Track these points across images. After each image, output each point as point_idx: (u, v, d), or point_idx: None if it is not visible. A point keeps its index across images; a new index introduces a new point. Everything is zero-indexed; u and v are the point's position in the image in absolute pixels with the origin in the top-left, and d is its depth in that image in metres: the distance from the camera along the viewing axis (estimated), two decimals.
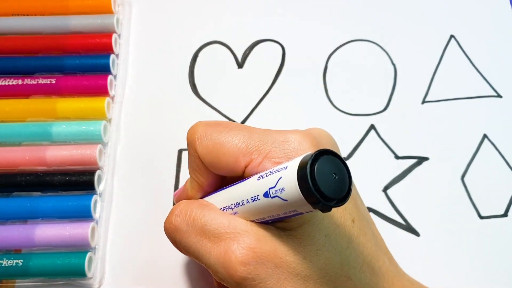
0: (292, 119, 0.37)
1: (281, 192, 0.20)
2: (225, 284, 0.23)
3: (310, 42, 0.40)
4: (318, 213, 0.23)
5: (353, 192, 0.23)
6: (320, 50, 0.40)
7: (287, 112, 0.38)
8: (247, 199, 0.22)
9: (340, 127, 0.37)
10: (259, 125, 0.37)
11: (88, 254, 0.31)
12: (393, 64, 0.40)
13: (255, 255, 0.22)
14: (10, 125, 0.35)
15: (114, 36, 0.38)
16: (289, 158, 0.22)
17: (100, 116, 0.35)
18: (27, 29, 0.38)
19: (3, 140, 0.34)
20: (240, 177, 0.24)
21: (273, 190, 0.20)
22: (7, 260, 0.30)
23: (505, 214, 0.34)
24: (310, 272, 0.22)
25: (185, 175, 0.35)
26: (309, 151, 0.22)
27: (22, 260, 0.30)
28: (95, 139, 0.34)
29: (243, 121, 0.37)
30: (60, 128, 0.34)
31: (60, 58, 0.37)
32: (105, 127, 0.35)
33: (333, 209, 0.23)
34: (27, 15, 0.39)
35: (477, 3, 0.42)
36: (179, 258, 0.32)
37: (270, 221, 0.23)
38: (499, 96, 0.39)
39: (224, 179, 0.26)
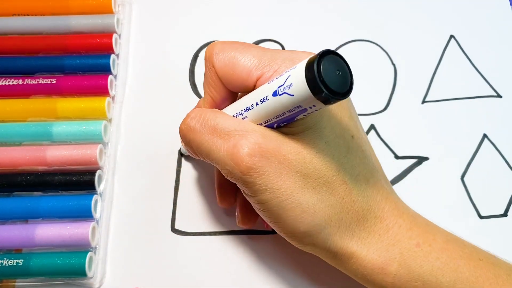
0: None
1: (289, 88, 0.22)
2: (231, 177, 0.26)
3: (310, 42, 0.40)
4: (320, 122, 0.25)
5: (354, 114, 0.28)
6: (320, 50, 0.40)
7: None
8: (256, 102, 0.25)
9: None
10: None
11: (89, 254, 0.31)
12: (393, 64, 0.40)
13: (260, 149, 0.24)
14: (10, 125, 0.35)
15: (114, 36, 0.38)
16: None
17: (101, 116, 0.35)
18: (27, 29, 0.38)
19: (4, 140, 0.34)
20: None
21: (282, 88, 0.23)
22: (7, 260, 0.30)
23: (505, 214, 0.34)
24: (309, 171, 0.25)
25: (185, 175, 0.35)
26: None
27: (22, 260, 0.30)
28: (96, 139, 0.34)
29: None
30: (60, 128, 0.34)
31: (60, 58, 0.37)
32: (105, 127, 0.35)
33: (334, 123, 0.26)
34: (28, 15, 0.39)
35: (477, 3, 0.42)
36: (179, 257, 0.32)
37: (275, 125, 0.25)
38: (499, 96, 0.39)
39: (234, 99, 0.28)
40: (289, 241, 0.27)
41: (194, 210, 0.34)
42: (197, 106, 0.31)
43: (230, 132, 0.25)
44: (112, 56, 0.37)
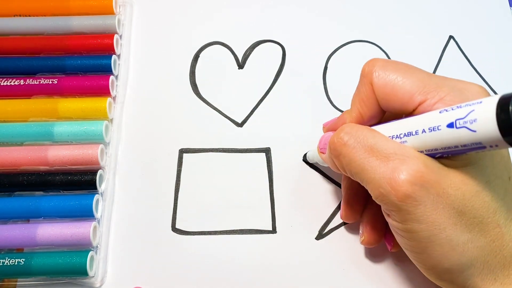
0: (292, 119, 0.37)
1: (471, 123, 0.21)
2: (381, 201, 0.25)
3: (310, 43, 0.41)
4: (483, 160, 0.24)
5: (509, 154, 0.26)
6: (320, 50, 0.40)
7: (287, 112, 0.38)
8: (423, 129, 0.24)
9: None
10: (259, 125, 0.37)
11: (90, 253, 0.31)
12: None
13: (422, 178, 0.23)
14: (12, 125, 0.35)
15: (115, 36, 0.38)
16: None
17: (102, 116, 0.35)
18: (29, 29, 0.38)
19: (5, 140, 0.34)
20: (403, 116, 0.26)
21: (461, 121, 0.21)
22: (9, 259, 0.30)
23: None
24: (466, 209, 0.24)
25: (186, 175, 0.35)
26: None
27: (24, 259, 0.31)
28: (97, 139, 0.35)
29: (244, 121, 0.37)
30: (62, 128, 0.34)
31: (62, 59, 0.37)
32: (106, 127, 0.35)
33: (496, 162, 0.25)
34: (29, 15, 0.39)
35: (477, 3, 0.42)
36: (180, 257, 0.33)
37: (438, 155, 0.24)
38: None
39: (381, 118, 0.28)
40: (424, 272, 0.27)
41: (195, 210, 0.34)
42: (340, 118, 0.29)
43: (390, 155, 0.24)
44: (113, 56, 0.38)
